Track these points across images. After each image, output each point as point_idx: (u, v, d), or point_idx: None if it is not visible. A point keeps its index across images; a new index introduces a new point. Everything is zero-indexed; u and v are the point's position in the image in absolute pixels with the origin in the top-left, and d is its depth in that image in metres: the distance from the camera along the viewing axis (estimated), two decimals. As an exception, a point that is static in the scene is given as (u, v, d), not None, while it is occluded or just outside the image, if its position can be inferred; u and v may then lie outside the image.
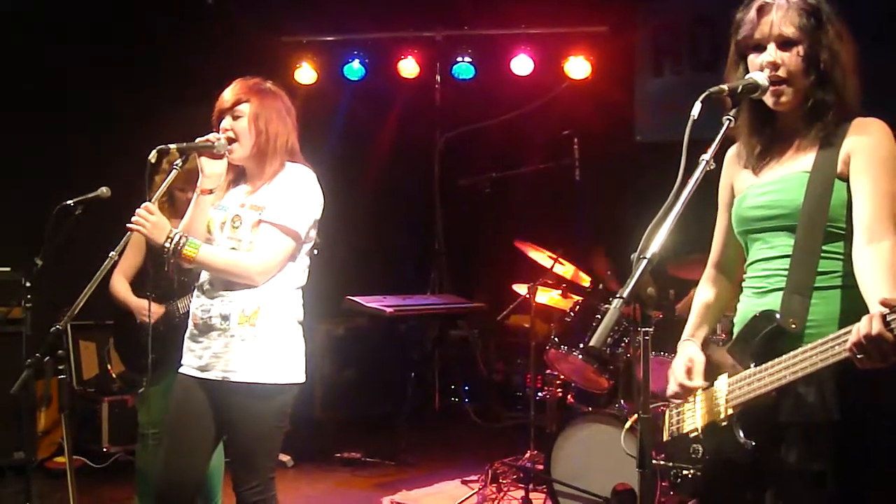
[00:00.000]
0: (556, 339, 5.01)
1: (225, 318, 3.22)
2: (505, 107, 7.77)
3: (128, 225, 3.17)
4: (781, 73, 2.39)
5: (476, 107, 7.88)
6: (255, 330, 3.21)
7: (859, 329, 2.05)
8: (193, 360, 3.30)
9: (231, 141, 3.28)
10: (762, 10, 2.41)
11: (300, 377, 3.31)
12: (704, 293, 2.76)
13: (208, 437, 3.29)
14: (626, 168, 6.90)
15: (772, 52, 2.39)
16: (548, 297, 5.77)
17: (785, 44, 2.39)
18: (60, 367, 3.20)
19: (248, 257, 3.21)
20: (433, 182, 7.95)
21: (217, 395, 3.25)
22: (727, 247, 2.72)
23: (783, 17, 2.39)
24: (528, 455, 5.42)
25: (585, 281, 5.84)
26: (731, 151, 2.63)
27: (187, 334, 3.36)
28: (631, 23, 7.43)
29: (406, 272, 8.00)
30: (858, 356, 2.07)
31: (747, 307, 2.52)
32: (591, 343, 2.09)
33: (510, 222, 7.51)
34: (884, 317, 2.02)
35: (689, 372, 2.56)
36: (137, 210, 3.17)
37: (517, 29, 7.48)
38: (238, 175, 3.41)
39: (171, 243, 3.16)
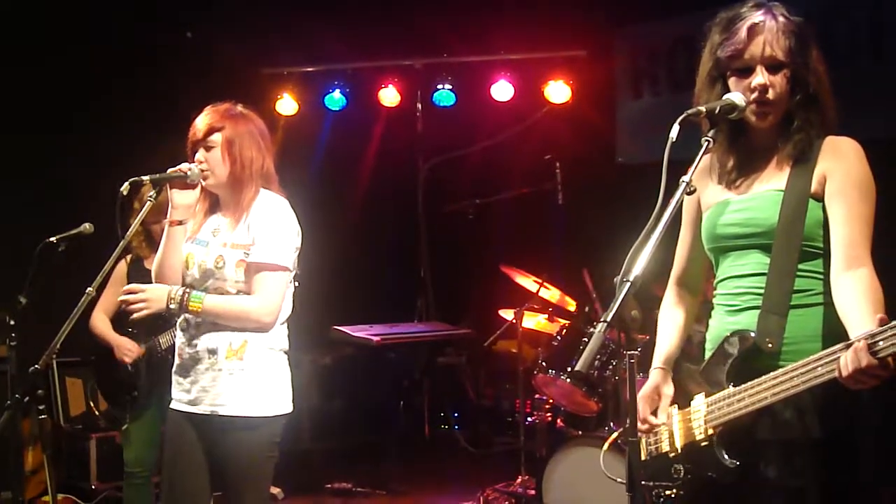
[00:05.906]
0: (543, 363, 5.00)
1: (212, 352, 3.20)
2: (486, 133, 7.78)
3: (132, 317, 3.20)
4: (770, 95, 2.38)
5: (458, 134, 7.89)
6: (243, 363, 3.20)
7: (848, 364, 2.05)
8: (182, 394, 3.28)
9: (205, 172, 3.25)
10: (752, 31, 2.37)
11: (288, 407, 3.31)
12: (671, 313, 2.73)
13: (203, 471, 3.27)
14: (609, 190, 6.90)
15: (763, 76, 2.37)
16: (534, 321, 5.76)
17: (773, 66, 2.38)
18: (41, 408, 3.17)
19: (252, 302, 3.19)
20: (417, 210, 7.97)
21: (206, 428, 3.24)
22: (692, 262, 2.69)
23: (773, 40, 2.37)
24: (519, 480, 5.40)
25: (571, 305, 5.84)
26: (701, 164, 2.52)
27: (174, 368, 3.33)
28: (609, 46, 7.47)
29: (392, 300, 7.98)
30: (854, 385, 2.08)
31: (720, 325, 2.52)
32: (577, 367, 2.10)
33: (495, 248, 7.50)
34: (869, 346, 2.03)
35: (653, 406, 2.57)
36: (123, 298, 3.19)
37: (496, 55, 7.51)
38: (213, 203, 3.38)
39: (175, 304, 3.16)
